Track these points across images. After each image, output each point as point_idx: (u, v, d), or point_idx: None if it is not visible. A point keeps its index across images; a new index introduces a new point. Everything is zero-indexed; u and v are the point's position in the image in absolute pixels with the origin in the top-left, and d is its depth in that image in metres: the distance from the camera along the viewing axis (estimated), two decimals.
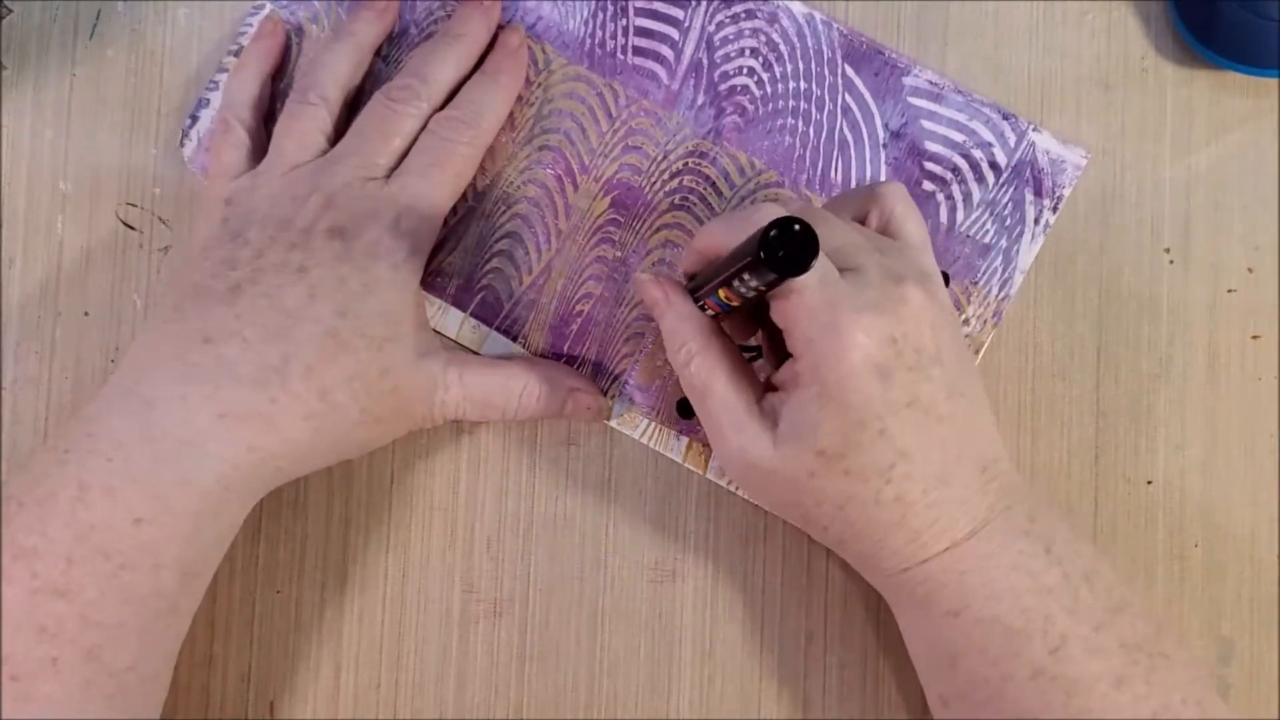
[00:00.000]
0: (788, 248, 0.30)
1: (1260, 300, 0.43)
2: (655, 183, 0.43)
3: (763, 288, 0.32)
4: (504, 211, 0.43)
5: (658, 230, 0.43)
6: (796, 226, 0.30)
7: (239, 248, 0.37)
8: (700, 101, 0.43)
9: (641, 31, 0.43)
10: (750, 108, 0.43)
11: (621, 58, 0.43)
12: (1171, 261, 0.43)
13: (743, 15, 0.43)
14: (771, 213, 0.33)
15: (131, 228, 0.43)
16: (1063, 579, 0.35)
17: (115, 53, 0.43)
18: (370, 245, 0.37)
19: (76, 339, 0.42)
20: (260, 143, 0.41)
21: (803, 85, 0.43)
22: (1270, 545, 0.42)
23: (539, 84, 0.43)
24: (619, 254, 0.43)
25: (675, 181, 0.43)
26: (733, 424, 0.35)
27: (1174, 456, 0.42)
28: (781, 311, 0.34)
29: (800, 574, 0.42)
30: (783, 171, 0.43)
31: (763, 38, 0.43)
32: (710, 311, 0.36)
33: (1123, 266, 0.43)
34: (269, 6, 0.43)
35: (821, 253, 0.32)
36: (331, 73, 0.40)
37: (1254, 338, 0.43)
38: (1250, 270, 0.43)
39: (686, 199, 0.43)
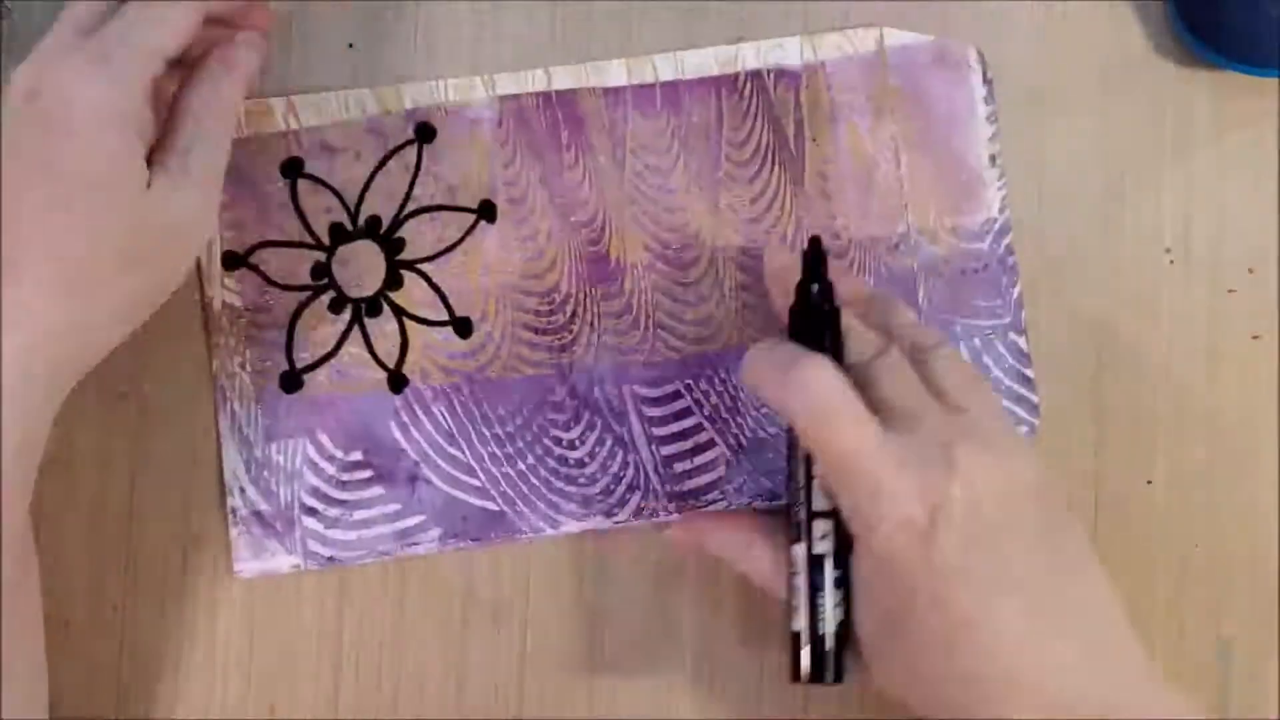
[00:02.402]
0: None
1: (1260, 300, 0.43)
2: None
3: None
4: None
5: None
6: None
7: None
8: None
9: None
10: None
11: None
12: (1171, 262, 0.43)
13: None
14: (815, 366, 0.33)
15: None
16: None
17: None
18: (58, 89, 0.34)
19: None
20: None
21: None
22: (1270, 545, 0.42)
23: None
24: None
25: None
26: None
27: (1174, 456, 0.42)
28: (828, 483, 0.34)
29: None
30: None
31: None
32: None
33: (1123, 266, 0.43)
34: None
35: (872, 424, 0.32)
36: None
37: (1254, 338, 0.43)
38: (1251, 270, 0.43)
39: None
